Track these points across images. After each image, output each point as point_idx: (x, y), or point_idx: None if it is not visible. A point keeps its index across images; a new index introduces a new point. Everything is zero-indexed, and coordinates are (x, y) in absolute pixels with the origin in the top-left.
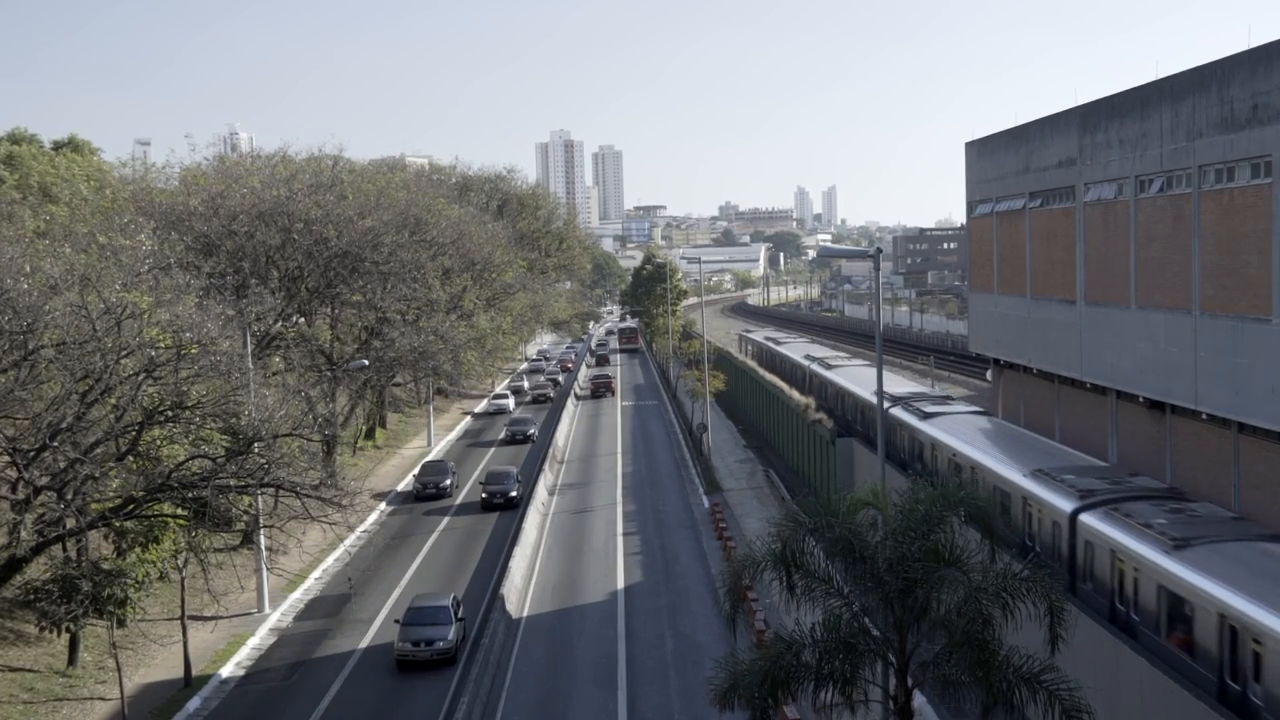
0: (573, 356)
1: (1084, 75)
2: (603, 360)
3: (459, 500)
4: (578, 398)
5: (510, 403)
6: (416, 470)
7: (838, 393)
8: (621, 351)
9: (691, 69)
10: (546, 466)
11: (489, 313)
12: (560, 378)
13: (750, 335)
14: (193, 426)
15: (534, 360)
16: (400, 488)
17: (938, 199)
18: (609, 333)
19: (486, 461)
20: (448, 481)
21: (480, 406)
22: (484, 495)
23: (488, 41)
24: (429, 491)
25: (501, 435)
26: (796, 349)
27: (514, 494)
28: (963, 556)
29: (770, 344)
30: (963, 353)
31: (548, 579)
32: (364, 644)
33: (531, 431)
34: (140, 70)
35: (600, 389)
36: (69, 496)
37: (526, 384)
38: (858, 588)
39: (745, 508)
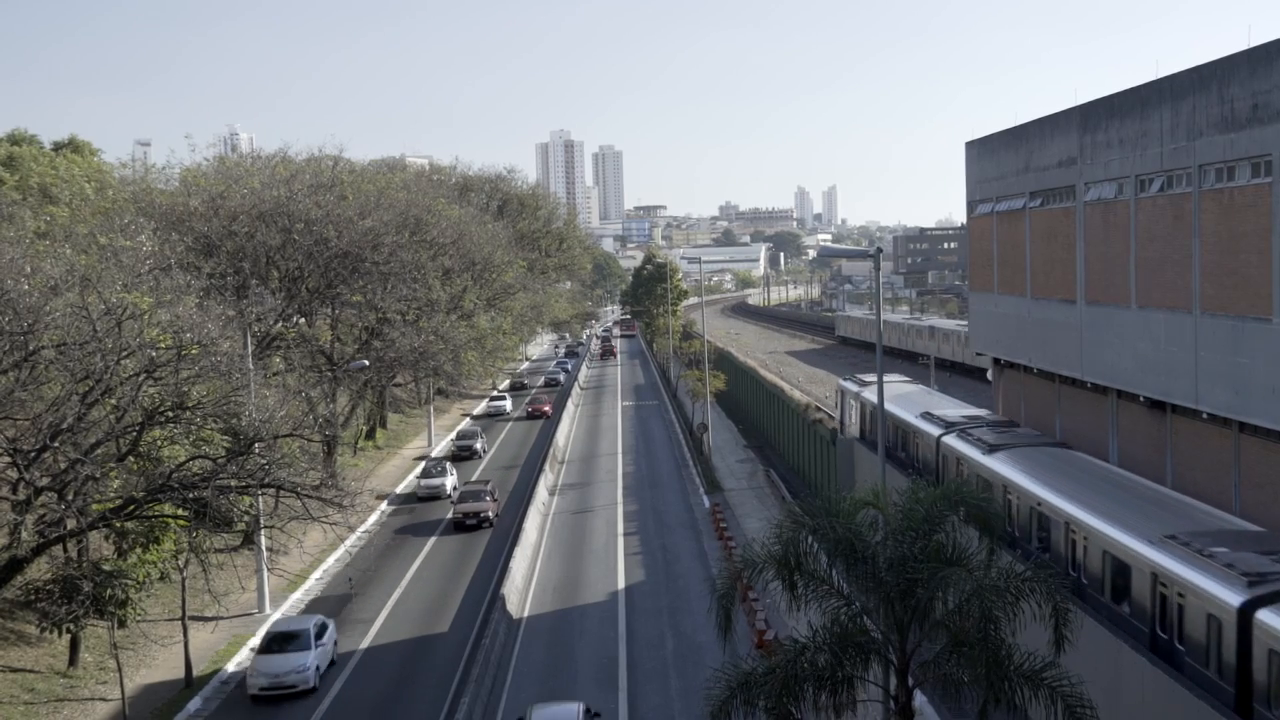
0: (561, 377)
1: (1084, 75)
2: (607, 340)
3: None
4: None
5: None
6: None
7: None
8: (621, 337)
9: (691, 69)
10: (547, 466)
11: (489, 313)
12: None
13: (868, 397)
14: (193, 427)
15: (496, 399)
16: None
17: (938, 199)
18: (614, 323)
19: None
20: None
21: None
22: None
23: (488, 41)
24: None
25: None
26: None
27: None
28: (964, 556)
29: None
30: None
31: (548, 579)
32: (364, 644)
33: None
34: (140, 71)
35: (606, 354)
36: (69, 497)
37: (449, 481)
38: (858, 588)
39: (746, 508)
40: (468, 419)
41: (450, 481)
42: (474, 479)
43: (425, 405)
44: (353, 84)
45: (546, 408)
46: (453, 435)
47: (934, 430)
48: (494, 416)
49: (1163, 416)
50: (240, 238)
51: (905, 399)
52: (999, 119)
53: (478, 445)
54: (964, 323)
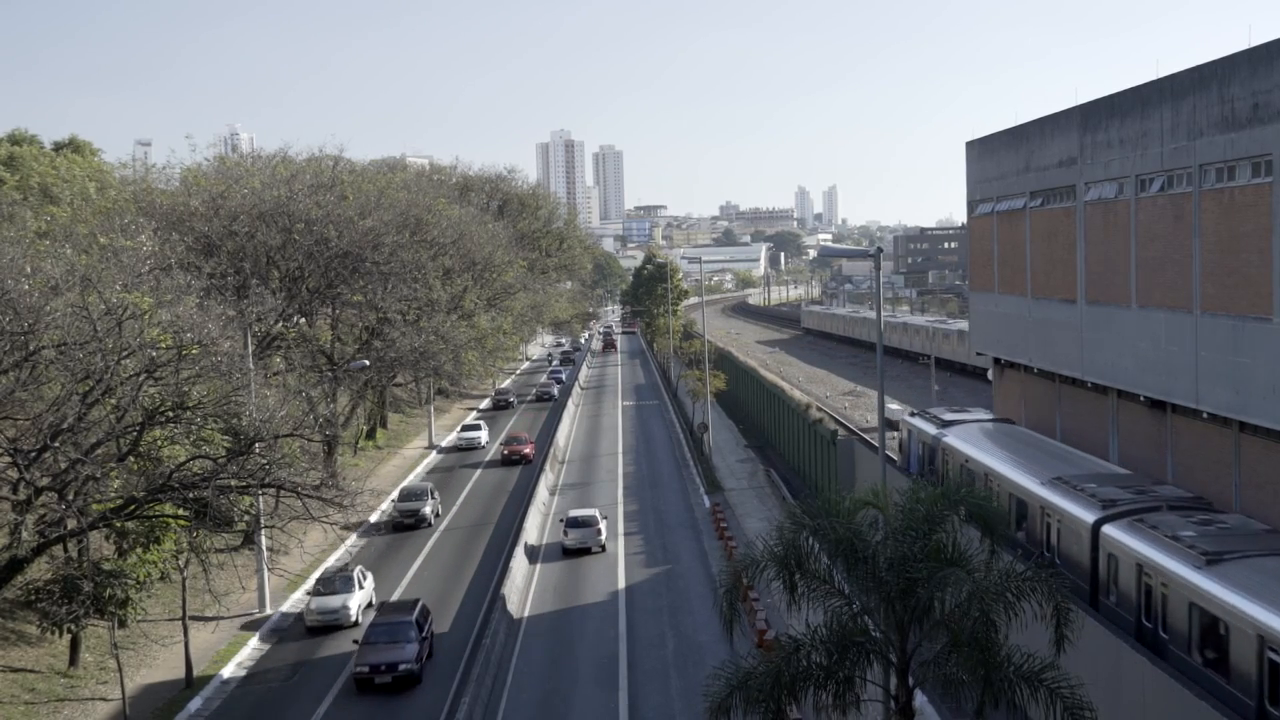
0: (555, 389)
1: (1084, 75)
2: (608, 335)
3: None
4: (592, 354)
5: None
6: None
7: None
8: (622, 334)
9: (691, 69)
10: (548, 466)
11: (489, 313)
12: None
13: (952, 443)
14: (194, 427)
15: (469, 429)
16: None
17: (938, 199)
18: (618, 319)
19: None
20: None
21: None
22: None
23: (488, 41)
24: None
25: None
26: None
27: None
28: (965, 556)
29: None
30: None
31: (549, 579)
32: None
33: None
34: (140, 71)
35: (608, 348)
36: (70, 497)
37: (355, 601)
38: (859, 587)
39: (746, 507)
40: (433, 454)
41: (357, 600)
42: (395, 598)
43: (426, 405)
44: (353, 84)
45: (528, 449)
46: (395, 495)
47: (1085, 514)
48: (465, 452)
49: (1163, 416)
50: (241, 238)
51: (1006, 445)
52: (999, 119)
53: (427, 509)
54: (889, 312)
